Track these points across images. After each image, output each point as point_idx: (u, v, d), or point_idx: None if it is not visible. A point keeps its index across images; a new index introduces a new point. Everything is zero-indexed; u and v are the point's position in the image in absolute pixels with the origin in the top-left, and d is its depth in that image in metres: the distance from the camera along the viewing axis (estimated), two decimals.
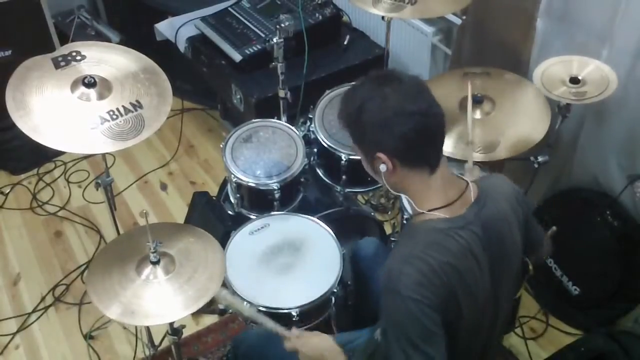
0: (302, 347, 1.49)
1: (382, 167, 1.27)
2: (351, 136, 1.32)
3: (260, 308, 1.72)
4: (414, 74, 1.29)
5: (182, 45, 2.97)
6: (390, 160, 1.26)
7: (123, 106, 1.59)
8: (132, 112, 1.59)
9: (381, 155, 1.26)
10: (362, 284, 1.94)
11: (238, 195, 2.09)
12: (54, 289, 2.55)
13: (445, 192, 1.28)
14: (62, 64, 1.62)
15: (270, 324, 1.57)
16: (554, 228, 1.98)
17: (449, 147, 1.86)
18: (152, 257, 1.54)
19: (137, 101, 1.61)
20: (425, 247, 1.23)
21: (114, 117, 1.57)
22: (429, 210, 1.27)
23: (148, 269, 1.55)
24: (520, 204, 1.39)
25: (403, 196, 1.33)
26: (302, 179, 2.10)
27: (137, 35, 3.22)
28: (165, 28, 3.05)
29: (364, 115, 1.25)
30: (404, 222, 2.01)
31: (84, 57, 1.65)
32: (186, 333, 2.03)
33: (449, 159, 1.39)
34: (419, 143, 1.23)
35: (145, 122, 1.58)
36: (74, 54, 1.65)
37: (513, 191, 1.39)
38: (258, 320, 1.60)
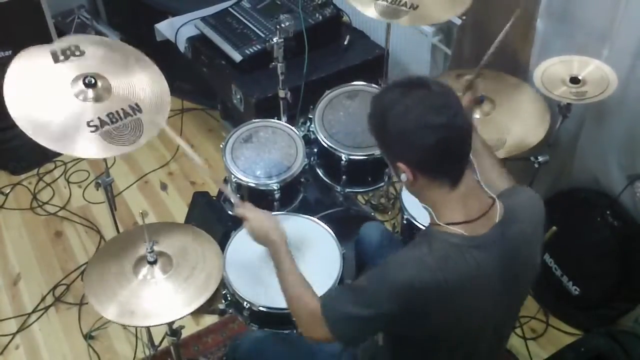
0: (251, 219, 1.56)
1: (403, 177, 1.24)
2: (376, 141, 1.29)
3: (261, 308, 1.72)
4: (443, 83, 1.24)
5: (182, 45, 2.97)
6: (411, 170, 1.22)
7: (122, 109, 1.60)
8: (132, 115, 1.60)
9: (402, 165, 1.22)
10: (365, 268, 1.95)
11: (238, 195, 2.09)
12: (54, 289, 2.55)
13: (466, 206, 1.24)
14: (61, 58, 1.62)
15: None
16: (554, 228, 1.99)
17: None
18: (149, 257, 1.55)
19: (135, 104, 1.62)
20: (438, 260, 1.20)
21: (113, 120, 1.58)
22: (448, 224, 1.23)
23: (145, 269, 1.56)
24: (542, 221, 1.36)
25: (424, 205, 1.30)
26: (302, 179, 2.10)
27: (137, 35, 3.22)
28: (165, 28, 3.05)
29: (387, 125, 1.22)
30: (404, 222, 2.01)
31: (82, 52, 1.65)
32: (186, 333, 2.03)
33: None
34: (440, 157, 1.20)
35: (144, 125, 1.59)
36: (73, 49, 1.65)
37: (541, 210, 1.35)
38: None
